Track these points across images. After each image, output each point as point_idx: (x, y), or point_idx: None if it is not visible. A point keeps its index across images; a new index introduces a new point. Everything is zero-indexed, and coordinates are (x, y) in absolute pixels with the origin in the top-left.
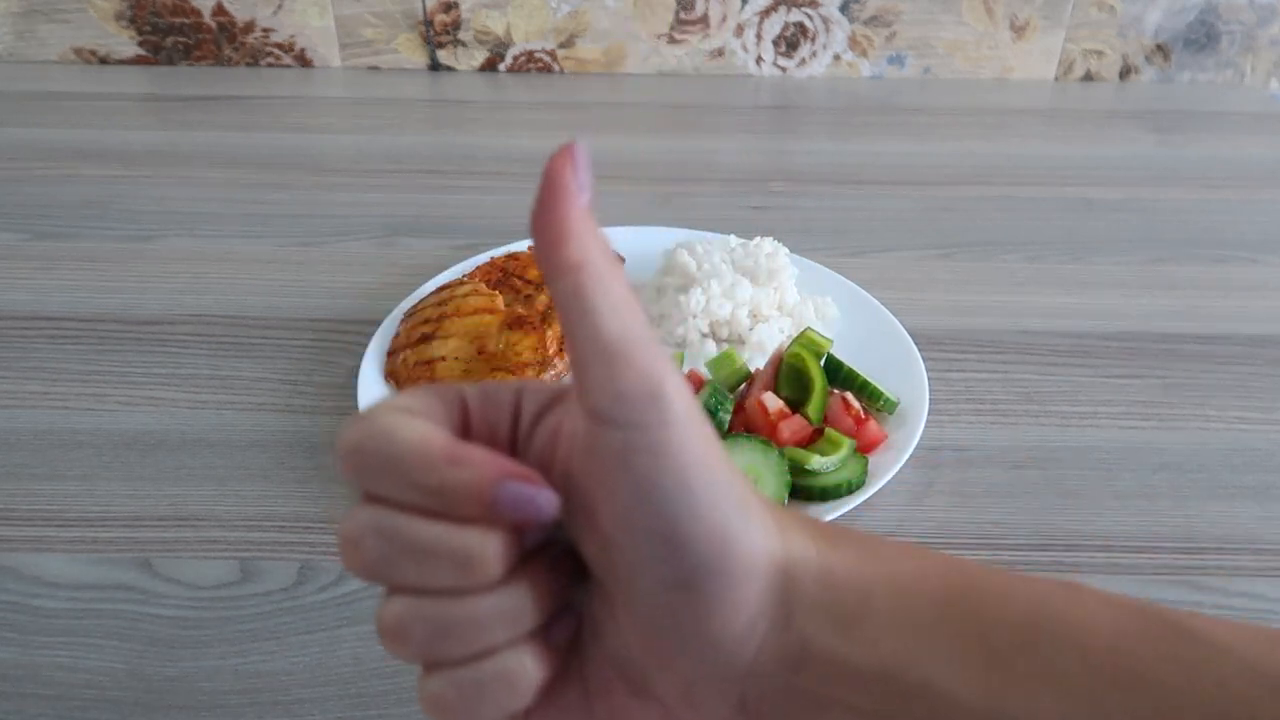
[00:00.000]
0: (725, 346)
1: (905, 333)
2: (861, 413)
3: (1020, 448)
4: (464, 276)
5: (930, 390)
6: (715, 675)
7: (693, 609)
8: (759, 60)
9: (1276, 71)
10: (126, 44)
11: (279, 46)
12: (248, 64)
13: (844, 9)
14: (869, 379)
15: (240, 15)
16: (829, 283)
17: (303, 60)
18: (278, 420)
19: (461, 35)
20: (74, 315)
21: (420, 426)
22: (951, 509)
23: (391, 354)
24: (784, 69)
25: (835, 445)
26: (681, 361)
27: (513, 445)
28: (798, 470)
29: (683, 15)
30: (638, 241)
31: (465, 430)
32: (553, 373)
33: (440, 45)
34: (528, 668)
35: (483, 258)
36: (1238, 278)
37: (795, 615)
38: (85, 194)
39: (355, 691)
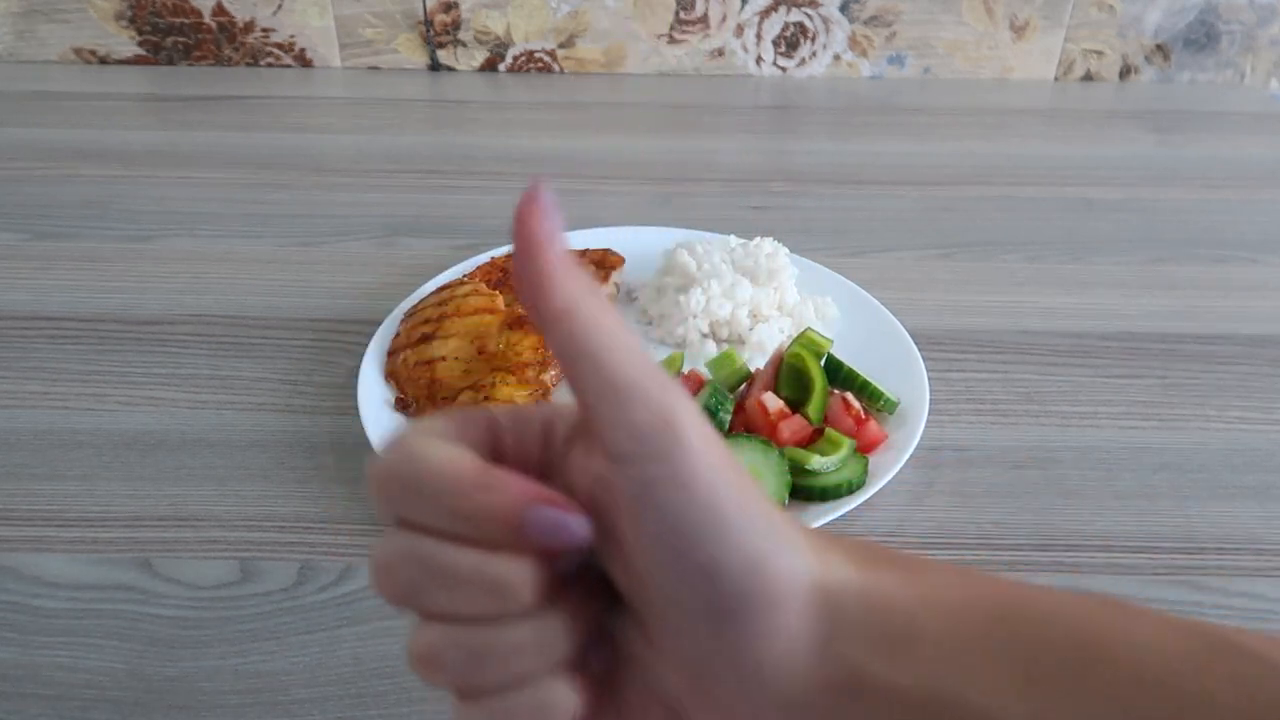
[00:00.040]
0: (725, 346)
1: (905, 333)
2: (861, 413)
3: (1020, 448)
4: (464, 276)
5: (930, 390)
6: (756, 703)
7: (731, 637)
8: (759, 60)
9: (1276, 71)
10: (126, 44)
11: (279, 46)
12: (248, 64)
13: (844, 9)
14: (869, 379)
15: (240, 15)
16: (829, 283)
17: (303, 60)
18: (278, 420)
19: (461, 35)
20: (74, 315)
21: (451, 452)
22: (951, 509)
23: (391, 354)
24: (784, 69)
25: (835, 445)
26: (681, 361)
27: (544, 470)
28: (798, 470)
29: (683, 15)
30: (638, 241)
31: (497, 455)
32: (553, 373)
33: (440, 45)
34: (563, 697)
35: (483, 258)
36: (1238, 278)
37: (837, 639)
38: (85, 194)
39: (355, 691)
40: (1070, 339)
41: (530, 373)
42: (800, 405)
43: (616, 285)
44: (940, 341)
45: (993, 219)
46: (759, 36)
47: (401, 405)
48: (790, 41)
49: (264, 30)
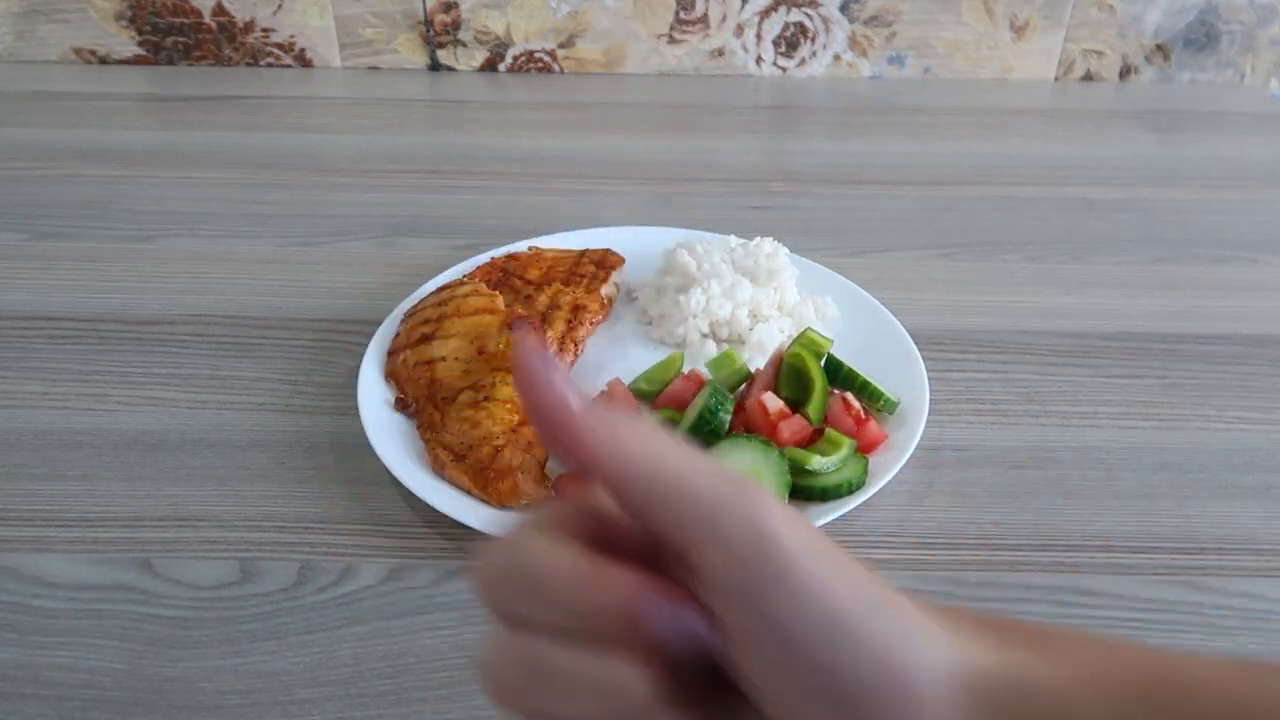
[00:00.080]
0: (725, 346)
1: (905, 333)
2: (861, 413)
3: (1020, 448)
4: (464, 276)
5: (930, 390)
6: None
7: None
8: (759, 60)
9: (1276, 71)
10: (126, 44)
11: (279, 46)
12: (248, 64)
13: (844, 9)
14: (869, 379)
15: (240, 15)
16: (829, 283)
17: (303, 60)
18: (278, 420)
19: (461, 35)
20: (74, 315)
21: (559, 550)
22: (951, 509)
23: (391, 354)
24: (784, 69)
25: (835, 445)
26: (681, 361)
27: (654, 553)
28: (798, 470)
29: (683, 15)
30: (638, 241)
31: (605, 542)
32: None
33: (440, 45)
34: None
35: (483, 258)
36: (1238, 278)
37: None
38: (85, 194)
39: (355, 691)
40: (1070, 339)
41: None
42: (800, 405)
43: (616, 285)
44: (940, 341)
45: (993, 219)
46: (759, 36)
47: (401, 405)
48: (790, 41)
49: (264, 30)
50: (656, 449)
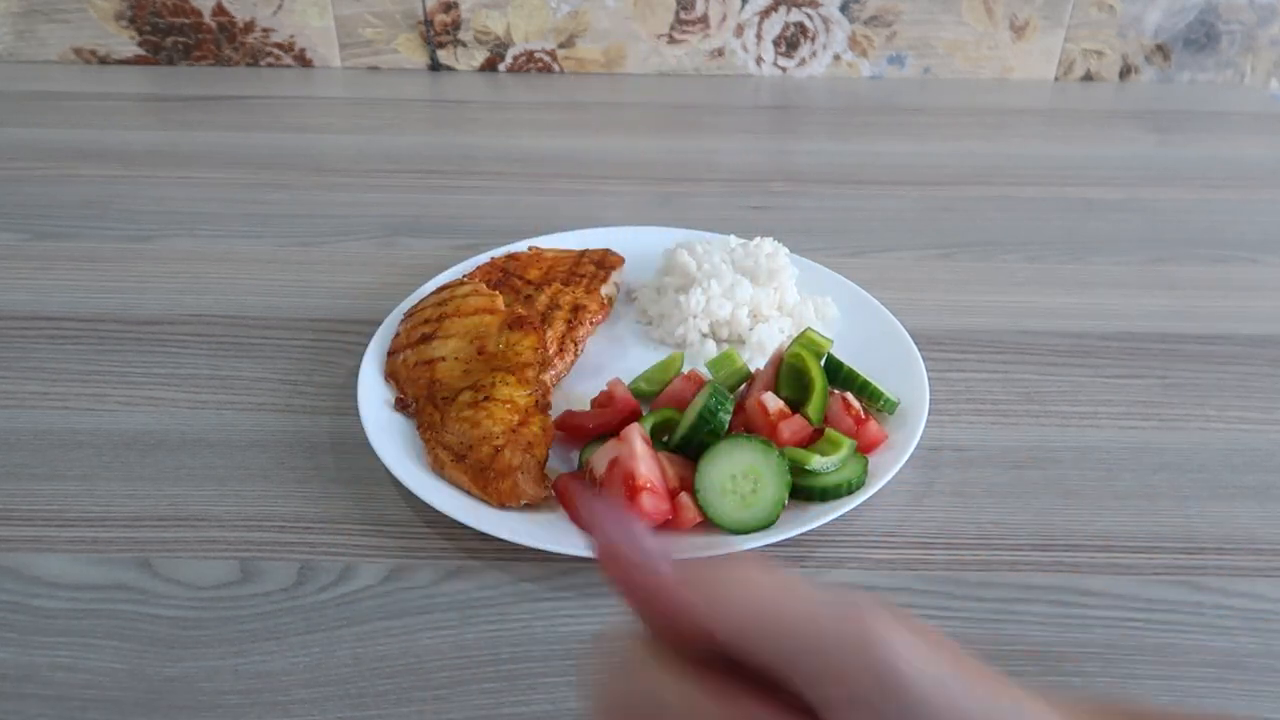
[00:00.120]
0: (725, 346)
1: (905, 333)
2: (861, 413)
3: (1020, 448)
4: (464, 276)
5: (930, 390)
6: None
7: None
8: (759, 60)
9: (1276, 71)
10: (126, 44)
11: (279, 46)
12: (248, 64)
13: (844, 9)
14: (869, 379)
15: (240, 15)
16: (829, 283)
17: (303, 60)
18: (278, 420)
19: (461, 35)
20: (74, 315)
21: (679, 682)
22: (951, 509)
23: (391, 354)
24: (784, 69)
25: (835, 445)
26: (681, 361)
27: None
28: (798, 470)
29: (683, 15)
30: (638, 241)
31: (721, 661)
32: (553, 373)
33: (440, 45)
34: None
35: (483, 258)
36: (1238, 278)
37: None
38: (85, 194)
39: (355, 691)
40: (1070, 339)
41: (530, 373)
42: (800, 405)
43: (616, 285)
44: (940, 341)
45: (993, 219)
46: (759, 36)
47: (401, 405)
48: (790, 41)
49: (264, 30)
50: (760, 594)
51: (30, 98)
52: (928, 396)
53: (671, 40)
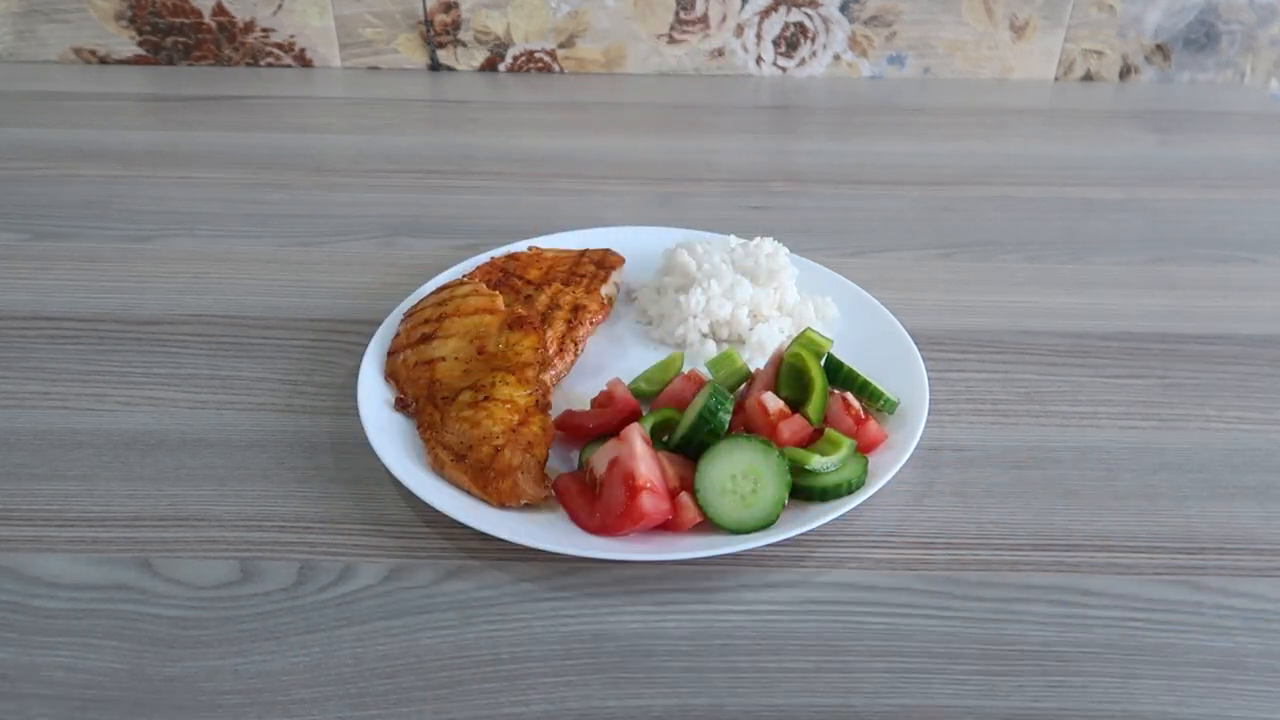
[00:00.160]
0: (725, 346)
1: (905, 333)
2: (861, 413)
3: (1020, 448)
4: (464, 276)
5: (930, 390)
6: None
7: None
8: (759, 60)
9: (1276, 71)
10: (126, 44)
11: (279, 46)
12: (248, 64)
13: (844, 9)
14: (869, 379)
15: (240, 15)
16: (829, 283)
17: (303, 60)
18: (278, 420)
19: (461, 35)
20: (74, 315)
21: None
22: (951, 509)
23: (391, 354)
24: (784, 69)
25: (835, 445)
26: (681, 361)
27: None
28: (798, 470)
29: (683, 15)
30: (638, 241)
31: None
32: (553, 373)
33: (440, 45)
34: None
35: (483, 258)
36: (1238, 278)
37: None
38: (85, 194)
39: (355, 691)
40: (1070, 339)
41: (530, 373)
42: (800, 405)
43: (616, 285)
44: (940, 341)
45: (993, 219)
46: (759, 36)
47: (401, 405)
48: (790, 41)
49: (264, 30)
50: None
51: (30, 98)
52: (928, 396)
53: (671, 40)
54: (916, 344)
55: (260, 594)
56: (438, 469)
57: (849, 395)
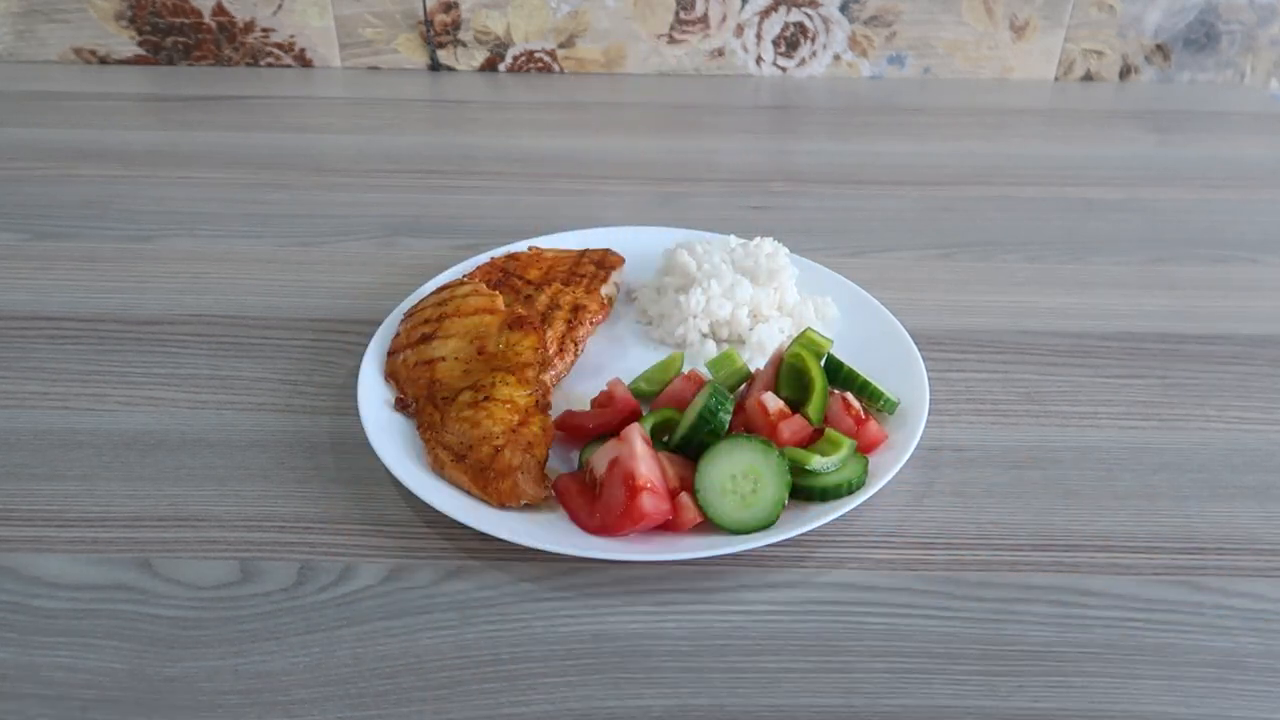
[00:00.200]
0: (725, 346)
1: (905, 333)
2: (861, 413)
3: (1020, 448)
4: (464, 276)
5: (930, 390)
6: None
7: None
8: (759, 60)
9: (1276, 71)
10: (126, 44)
11: (279, 46)
12: (248, 64)
13: (844, 9)
14: (869, 379)
15: (240, 15)
16: (829, 283)
17: (303, 60)
18: (278, 420)
19: (461, 35)
20: (74, 315)
21: None
22: (951, 509)
23: (391, 354)
24: (784, 69)
25: (835, 445)
26: (681, 361)
27: None
28: (798, 470)
29: (683, 15)
30: (638, 241)
31: None
32: (553, 373)
33: (440, 45)
34: None
35: (483, 258)
36: (1238, 278)
37: None
38: (85, 194)
39: (355, 691)
40: (1070, 339)
41: (530, 373)
42: (800, 405)
43: (616, 285)
44: (940, 341)
45: (993, 219)
46: (759, 36)
47: (401, 405)
48: (790, 41)
49: (264, 30)
50: None
51: (30, 98)
52: (928, 396)
53: (671, 40)
54: (916, 344)
55: (260, 594)
56: (438, 469)
57: (849, 395)
